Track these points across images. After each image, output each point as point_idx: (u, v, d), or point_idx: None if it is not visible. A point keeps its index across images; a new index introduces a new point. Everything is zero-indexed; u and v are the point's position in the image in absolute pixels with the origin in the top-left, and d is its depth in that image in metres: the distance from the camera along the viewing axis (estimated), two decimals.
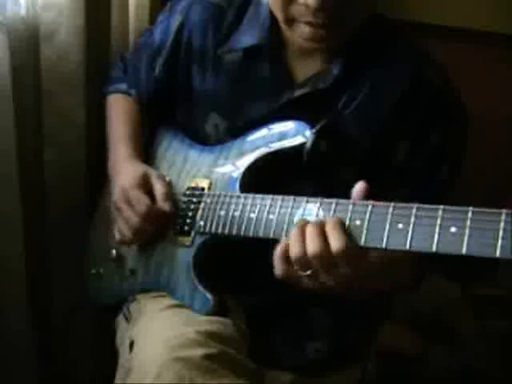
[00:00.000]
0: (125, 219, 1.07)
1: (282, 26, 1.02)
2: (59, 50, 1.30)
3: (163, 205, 1.05)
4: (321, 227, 0.84)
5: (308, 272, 0.86)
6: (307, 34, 0.97)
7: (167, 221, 1.06)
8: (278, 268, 0.88)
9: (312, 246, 0.83)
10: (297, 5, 0.95)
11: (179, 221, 1.08)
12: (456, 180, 1.09)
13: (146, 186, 1.07)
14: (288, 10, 0.96)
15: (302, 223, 0.86)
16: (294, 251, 0.85)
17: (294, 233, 0.86)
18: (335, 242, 0.82)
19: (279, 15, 0.99)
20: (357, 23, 1.00)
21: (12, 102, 1.21)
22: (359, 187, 0.86)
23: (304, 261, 0.84)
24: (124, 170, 1.13)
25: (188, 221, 1.06)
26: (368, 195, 0.86)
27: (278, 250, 0.88)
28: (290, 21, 0.98)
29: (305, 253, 0.84)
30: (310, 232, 0.84)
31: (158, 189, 1.06)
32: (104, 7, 1.39)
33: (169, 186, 1.08)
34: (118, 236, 1.11)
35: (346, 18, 0.95)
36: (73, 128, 1.37)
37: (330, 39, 0.98)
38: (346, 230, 0.83)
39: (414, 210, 0.78)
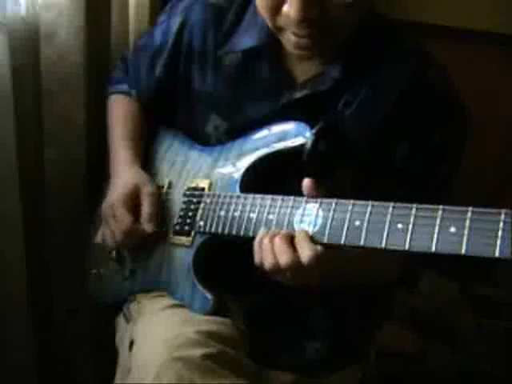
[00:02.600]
0: (111, 232, 1.10)
1: None
2: (59, 50, 1.30)
3: (146, 226, 1.07)
4: (288, 239, 0.88)
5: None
6: (293, 42, 0.98)
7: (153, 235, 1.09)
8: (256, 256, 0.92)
9: (283, 258, 0.87)
10: (282, 16, 0.95)
11: (179, 221, 1.08)
12: (455, 180, 1.09)
13: (134, 200, 1.09)
14: (275, 19, 0.97)
15: (271, 235, 0.90)
16: (267, 262, 0.89)
17: (265, 245, 0.89)
18: (305, 253, 0.85)
19: (268, 23, 1.00)
20: (347, 30, 0.99)
21: (12, 102, 1.21)
22: (306, 185, 0.89)
23: (278, 270, 0.88)
24: (122, 174, 1.14)
25: (188, 221, 1.06)
26: (317, 190, 0.89)
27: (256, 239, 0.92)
28: (279, 29, 0.99)
29: (277, 264, 0.87)
30: (279, 245, 0.88)
31: (145, 208, 1.08)
32: (104, 7, 1.39)
33: (157, 203, 1.09)
34: (107, 241, 1.14)
35: (331, 27, 0.95)
36: (73, 128, 1.36)
37: (315, 48, 0.99)
38: (312, 239, 0.86)
39: (413, 210, 0.78)
